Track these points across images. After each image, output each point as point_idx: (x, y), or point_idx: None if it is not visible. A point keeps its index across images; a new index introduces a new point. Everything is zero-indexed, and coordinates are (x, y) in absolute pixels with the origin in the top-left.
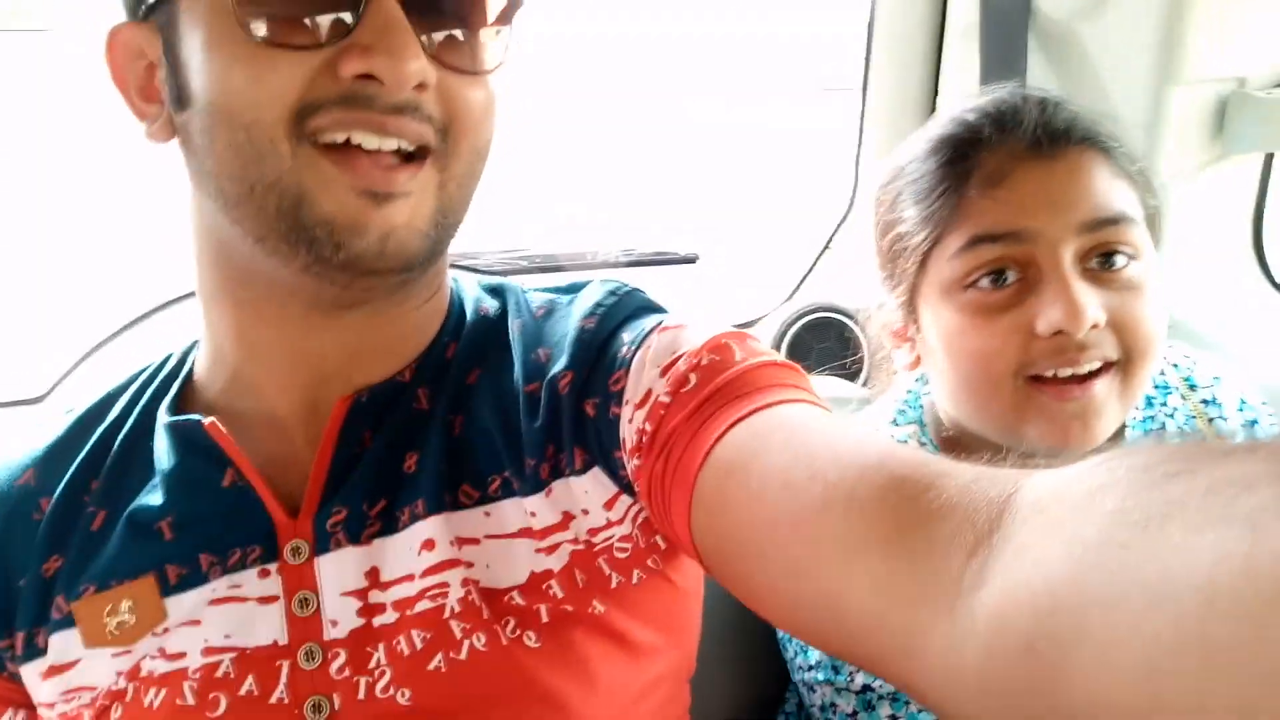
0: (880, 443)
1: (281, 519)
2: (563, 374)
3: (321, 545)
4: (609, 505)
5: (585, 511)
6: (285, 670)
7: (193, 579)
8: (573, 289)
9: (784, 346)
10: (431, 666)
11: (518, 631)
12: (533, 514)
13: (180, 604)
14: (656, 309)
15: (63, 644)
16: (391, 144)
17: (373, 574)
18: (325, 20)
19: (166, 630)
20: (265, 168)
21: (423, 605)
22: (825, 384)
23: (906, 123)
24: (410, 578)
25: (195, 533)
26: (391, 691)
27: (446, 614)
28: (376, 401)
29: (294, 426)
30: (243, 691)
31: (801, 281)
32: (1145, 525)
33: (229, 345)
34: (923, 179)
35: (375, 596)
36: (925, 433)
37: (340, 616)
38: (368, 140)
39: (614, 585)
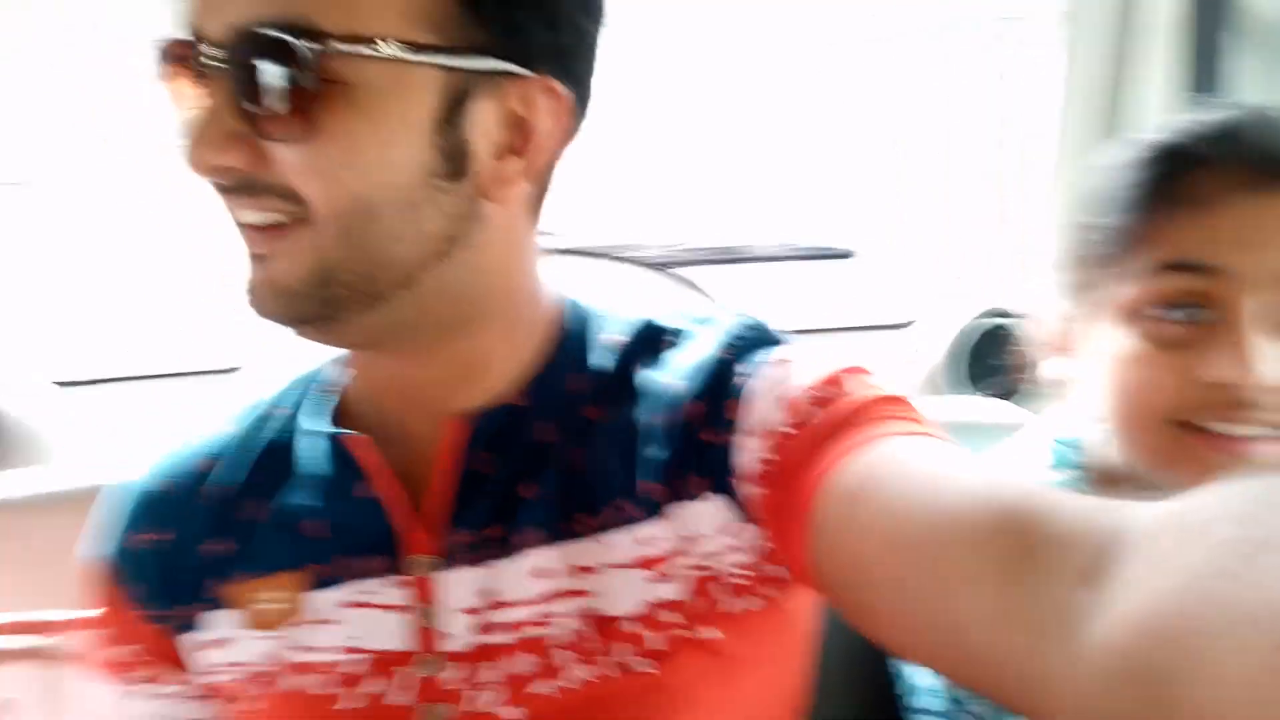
0: (994, 472)
1: (408, 533)
2: (688, 403)
3: (443, 562)
4: (727, 532)
5: (703, 538)
6: (405, 676)
7: (329, 579)
8: (705, 320)
9: (960, 352)
10: (542, 690)
11: (630, 658)
12: (649, 541)
13: (317, 601)
14: (777, 340)
15: (216, 623)
16: (247, 218)
17: (488, 594)
18: None
19: (304, 624)
20: None
21: (534, 631)
22: (987, 407)
23: (1097, 127)
24: (523, 603)
25: (333, 537)
26: (502, 709)
27: (557, 641)
28: (489, 425)
29: (419, 444)
30: (366, 690)
31: (970, 284)
32: (1254, 555)
33: (361, 363)
34: (1127, 189)
35: (489, 616)
36: (1081, 477)
37: (456, 631)
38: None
39: (729, 612)
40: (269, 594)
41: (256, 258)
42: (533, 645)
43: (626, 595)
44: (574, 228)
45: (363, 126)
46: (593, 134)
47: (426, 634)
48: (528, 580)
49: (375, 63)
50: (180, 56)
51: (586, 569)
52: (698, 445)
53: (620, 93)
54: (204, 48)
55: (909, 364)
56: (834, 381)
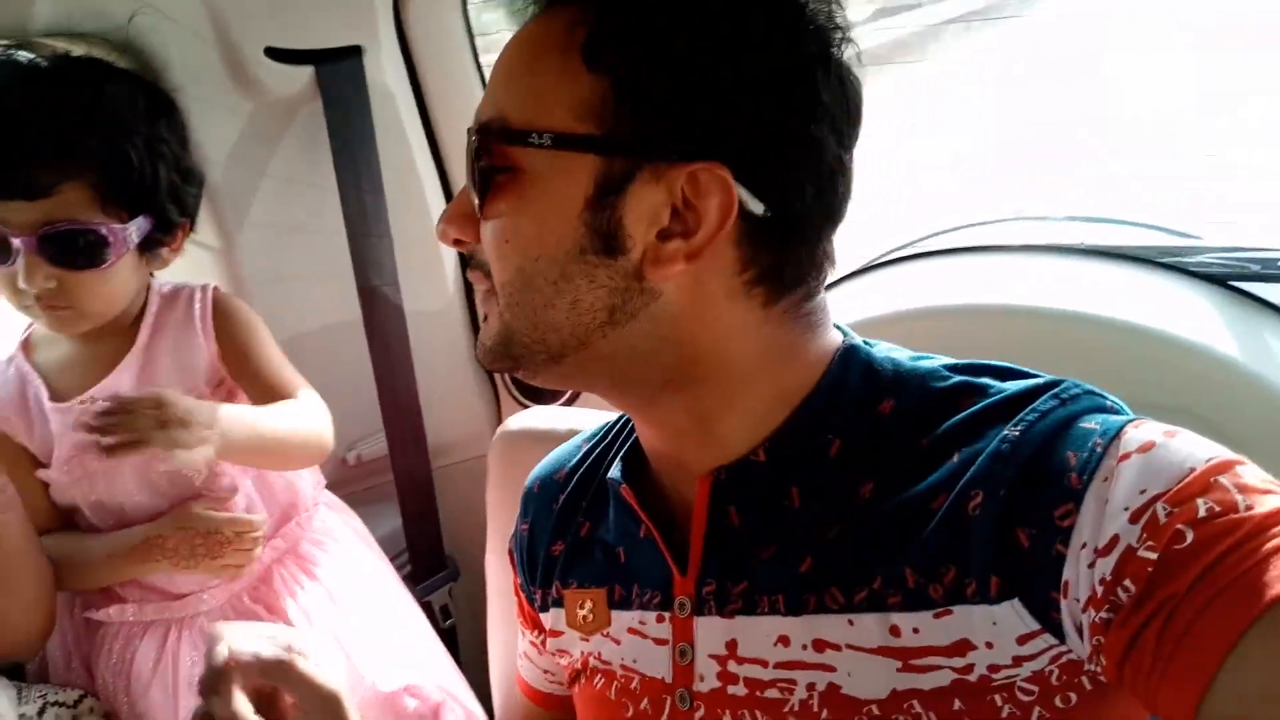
0: None
1: (676, 576)
2: (970, 490)
3: (698, 608)
4: (1022, 641)
5: (990, 645)
6: (668, 704)
7: (624, 602)
8: (1021, 383)
9: None
10: None
11: None
12: (912, 630)
13: (616, 619)
14: (1108, 411)
15: (554, 617)
16: (477, 285)
17: (732, 645)
18: None
19: (607, 635)
20: None
21: (770, 693)
22: None
23: None
24: (763, 663)
25: (629, 567)
26: None
27: (788, 709)
28: (734, 480)
29: (681, 496)
30: (641, 707)
31: None
32: None
33: (634, 418)
34: None
35: (732, 666)
36: None
37: (706, 674)
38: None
39: (1003, 717)
40: (588, 604)
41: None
42: (769, 707)
43: (872, 681)
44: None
45: (524, 206)
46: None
47: (684, 670)
48: (768, 642)
49: (539, 151)
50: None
51: (833, 645)
52: (1004, 543)
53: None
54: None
55: None
56: (1207, 486)
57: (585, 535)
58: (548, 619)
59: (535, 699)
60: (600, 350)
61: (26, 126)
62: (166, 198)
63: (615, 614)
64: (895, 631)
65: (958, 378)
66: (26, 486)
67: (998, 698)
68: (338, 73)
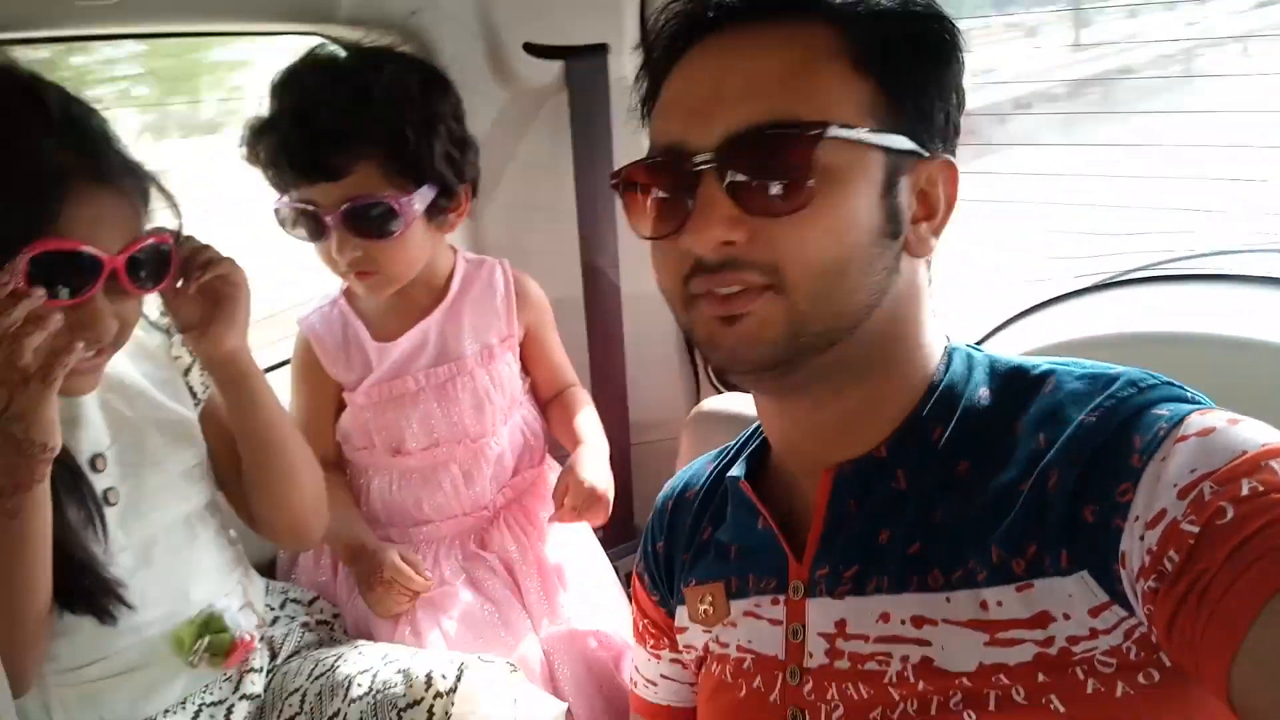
0: None
1: (792, 562)
2: (1051, 469)
3: (812, 591)
4: (1095, 613)
5: (1067, 616)
6: (780, 680)
7: (740, 592)
8: (1097, 377)
9: None
10: (873, 717)
11: (960, 708)
12: (996, 604)
13: (734, 608)
14: (1182, 401)
15: (681, 614)
16: (724, 289)
17: (840, 624)
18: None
19: (725, 624)
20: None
21: (870, 665)
22: None
23: None
24: (866, 638)
25: (744, 559)
26: None
27: (886, 679)
28: (858, 474)
29: (802, 489)
30: (755, 685)
31: None
32: None
33: (767, 422)
34: None
35: (839, 644)
36: None
37: (815, 651)
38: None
39: (1088, 691)
40: (708, 598)
41: (727, 320)
42: (869, 679)
43: (963, 654)
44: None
45: (838, 199)
46: None
47: (794, 648)
48: (872, 619)
49: (841, 145)
50: (660, 169)
51: (930, 621)
52: (1073, 519)
53: None
54: (695, 157)
55: None
56: (1255, 468)
57: (706, 539)
58: (676, 616)
59: (645, 711)
60: (860, 334)
61: (331, 117)
62: (445, 167)
63: (733, 604)
64: (984, 606)
65: (1046, 367)
66: (323, 410)
67: (1079, 670)
68: (585, 67)
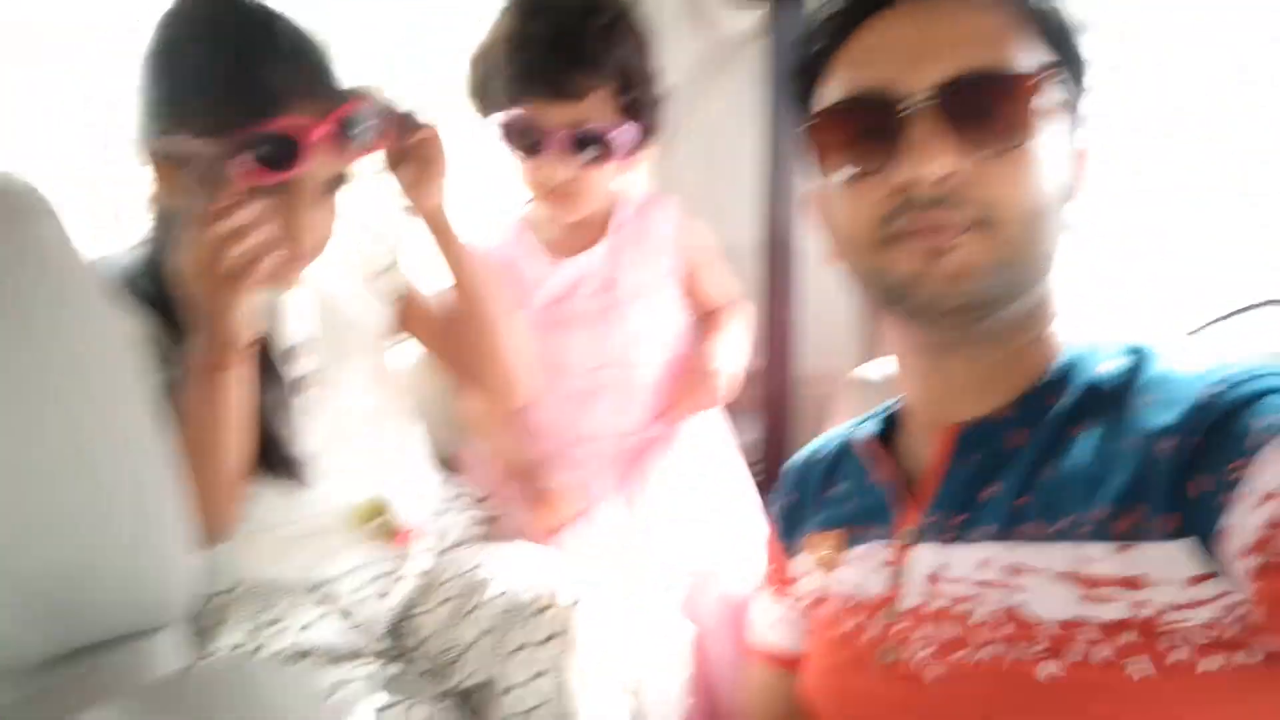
0: None
1: (905, 511)
2: (1165, 436)
3: (918, 538)
4: (1194, 583)
5: (1165, 582)
6: (877, 619)
7: (856, 539)
8: (1217, 358)
9: None
10: (956, 658)
11: (1041, 657)
12: (1095, 560)
13: (848, 554)
14: None
15: (802, 561)
16: (939, 221)
17: (941, 569)
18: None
19: (838, 568)
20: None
21: (962, 607)
22: None
23: None
24: (963, 582)
25: (858, 509)
26: (930, 663)
27: (974, 621)
28: (978, 433)
29: (923, 445)
30: (854, 623)
31: None
32: None
33: (903, 382)
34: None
35: (937, 587)
36: None
37: (912, 593)
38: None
39: (1169, 662)
40: (825, 544)
41: (935, 251)
42: (958, 620)
43: (1054, 604)
44: None
45: (1045, 147)
46: None
47: (894, 590)
48: (972, 566)
49: (1052, 99)
50: (868, 110)
51: (1026, 570)
52: (1181, 490)
53: None
54: (910, 97)
55: None
56: None
57: (829, 494)
58: (793, 567)
59: (762, 654)
60: (1037, 287)
61: (578, 41)
62: (653, 110)
63: (848, 551)
64: (1082, 560)
65: (1170, 344)
66: None
67: (1167, 639)
68: (785, 14)
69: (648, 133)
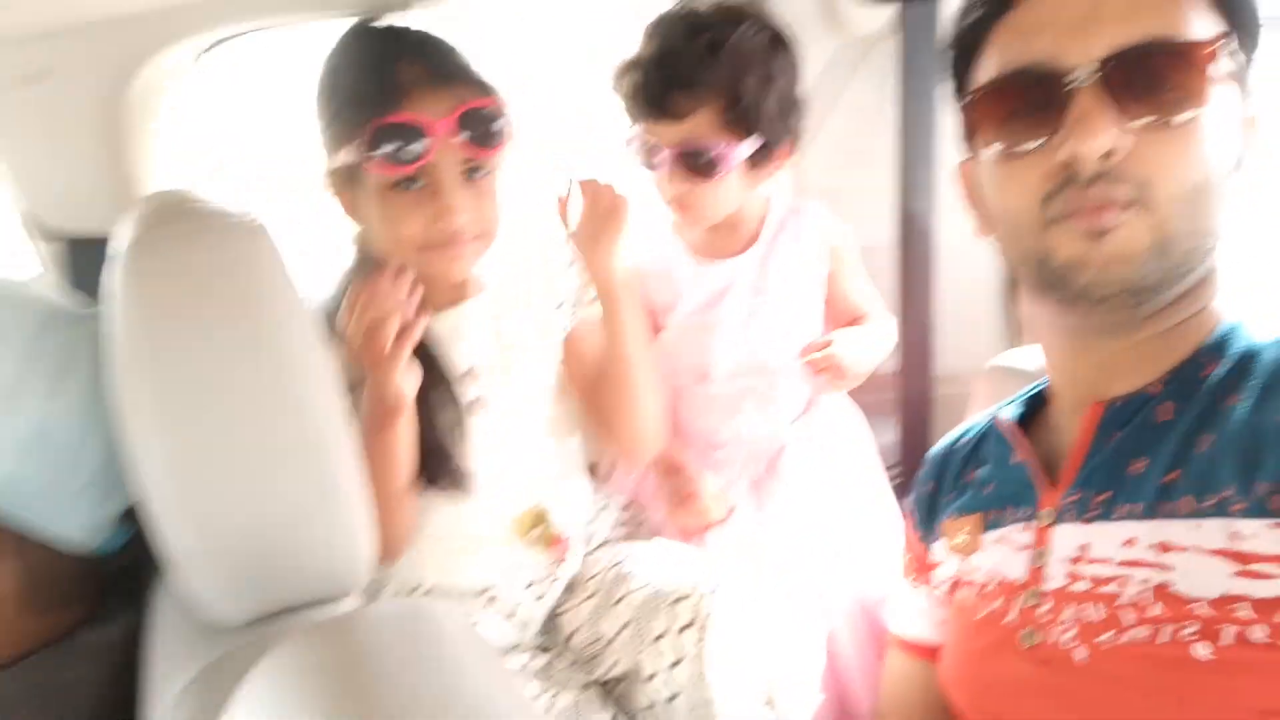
0: None
1: (1045, 491)
2: None
3: (1060, 518)
4: None
5: None
6: (1018, 602)
7: (994, 523)
8: None
9: None
10: (1102, 639)
11: (1190, 638)
12: (1247, 537)
13: (985, 537)
14: None
15: (939, 547)
16: (1099, 198)
17: (1084, 549)
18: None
19: (976, 552)
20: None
21: (1108, 588)
22: None
23: None
24: (1108, 561)
25: (998, 492)
26: (1074, 645)
27: (1121, 601)
28: (1127, 409)
29: (1065, 425)
30: (993, 607)
31: None
32: None
33: (1049, 366)
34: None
35: (1080, 567)
36: None
37: (1055, 574)
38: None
39: None
40: (964, 529)
41: (1097, 232)
42: (1104, 600)
43: (1205, 581)
44: None
45: (1215, 121)
46: None
47: (1036, 572)
48: (1116, 544)
49: (1224, 72)
50: (1030, 84)
51: (1175, 547)
52: None
53: None
54: (1075, 71)
55: None
56: None
57: (969, 479)
58: (931, 554)
59: (903, 643)
60: (1209, 260)
61: (683, 65)
62: (773, 122)
63: (987, 534)
64: (1235, 536)
65: None
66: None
67: None
68: (918, 12)
69: (771, 144)
